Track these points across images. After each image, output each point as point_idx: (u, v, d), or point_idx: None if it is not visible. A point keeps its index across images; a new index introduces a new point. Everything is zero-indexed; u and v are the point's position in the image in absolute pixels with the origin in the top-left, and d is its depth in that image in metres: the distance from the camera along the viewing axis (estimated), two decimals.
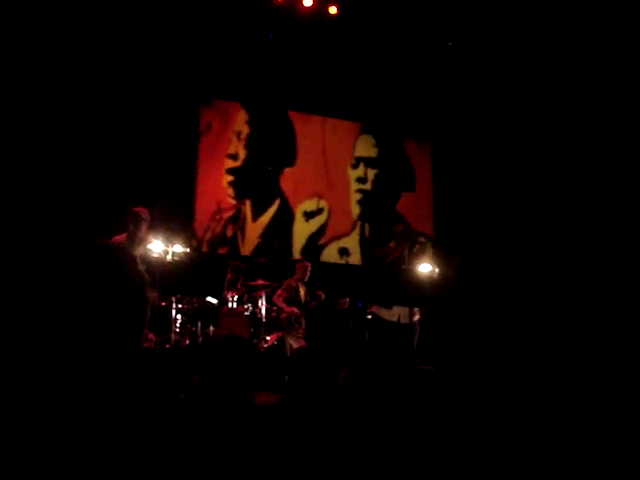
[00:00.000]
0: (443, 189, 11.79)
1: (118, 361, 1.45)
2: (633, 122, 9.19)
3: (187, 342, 7.80)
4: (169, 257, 6.44)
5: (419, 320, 6.87)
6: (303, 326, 8.69)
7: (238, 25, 9.26)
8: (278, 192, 10.56)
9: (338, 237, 11.00)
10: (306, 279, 8.79)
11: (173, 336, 7.56)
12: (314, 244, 10.68)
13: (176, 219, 8.75)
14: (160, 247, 6.56)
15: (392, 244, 6.98)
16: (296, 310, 8.63)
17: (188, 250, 7.72)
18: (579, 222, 9.80)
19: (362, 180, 11.40)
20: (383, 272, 6.60)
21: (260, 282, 8.68)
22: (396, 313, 6.65)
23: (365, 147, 11.51)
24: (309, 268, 8.84)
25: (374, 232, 11.22)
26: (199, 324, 7.76)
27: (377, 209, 11.39)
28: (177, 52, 9.19)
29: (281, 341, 8.46)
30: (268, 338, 8.50)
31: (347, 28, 9.45)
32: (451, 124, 11.45)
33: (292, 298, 8.62)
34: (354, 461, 2.06)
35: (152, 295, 6.59)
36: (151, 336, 7.23)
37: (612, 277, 8.89)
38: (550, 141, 10.35)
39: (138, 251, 6.39)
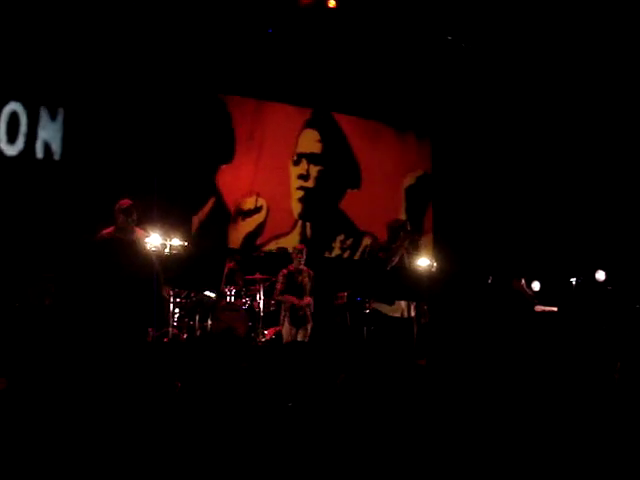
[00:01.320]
0: (443, 184, 11.78)
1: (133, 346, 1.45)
2: (632, 118, 9.19)
3: (185, 336, 7.79)
4: (167, 250, 6.42)
5: (416, 315, 6.86)
6: (307, 320, 8.34)
7: (238, 19, 9.22)
8: (213, 190, 9.99)
9: (277, 236, 10.48)
10: (302, 264, 8.35)
11: (171, 330, 7.54)
12: (251, 244, 10.15)
13: (174, 212, 8.74)
14: (158, 240, 6.55)
15: (393, 245, 6.92)
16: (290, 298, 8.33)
17: (186, 244, 7.71)
18: (579, 218, 9.82)
19: (304, 177, 10.87)
20: (386, 272, 6.58)
21: (258, 276, 8.66)
22: (399, 308, 6.64)
23: (308, 143, 10.97)
24: (303, 252, 8.41)
25: (316, 231, 10.79)
26: (197, 318, 7.75)
27: (320, 207, 10.91)
28: (178, 49, 9.14)
29: (279, 335, 8.44)
30: (266, 332, 8.49)
31: (346, 21, 9.38)
32: (451, 119, 11.42)
33: (289, 288, 8.26)
34: (354, 458, 2.06)
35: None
36: (149, 330, 7.22)
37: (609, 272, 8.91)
38: (548, 137, 10.36)
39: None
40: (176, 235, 7.40)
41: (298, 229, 10.75)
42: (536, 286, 9.60)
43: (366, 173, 11.41)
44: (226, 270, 8.28)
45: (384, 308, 6.66)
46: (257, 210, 10.29)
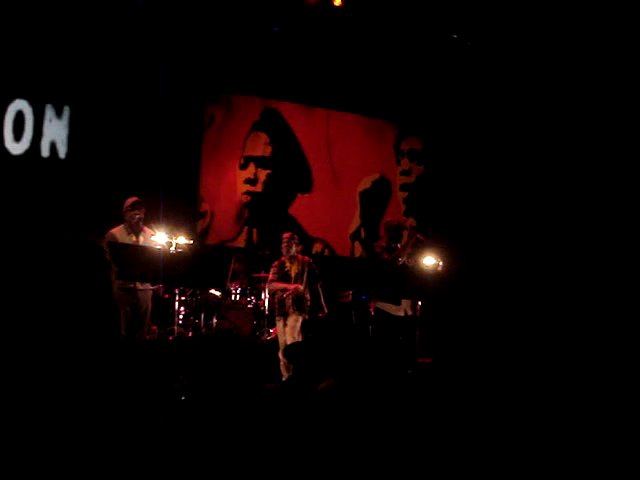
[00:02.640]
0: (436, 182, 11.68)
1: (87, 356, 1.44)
2: (633, 118, 9.16)
3: (190, 334, 7.82)
4: (172, 249, 6.42)
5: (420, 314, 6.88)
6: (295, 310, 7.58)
7: (241, 18, 9.21)
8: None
9: (222, 242, 10.04)
10: (292, 253, 7.74)
11: (176, 328, 7.57)
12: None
13: (180, 211, 8.74)
14: (164, 239, 6.56)
15: (398, 245, 6.90)
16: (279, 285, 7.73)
17: (192, 242, 7.72)
18: (575, 218, 9.78)
19: (252, 182, 10.41)
20: (390, 272, 6.57)
21: (263, 274, 8.67)
22: (402, 308, 6.65)
23: (256, 146, 10.49)
24: (291, 239, 7.79)
25: (263, 237, 10.27)
26: (202, 316, 7.77)
27: (268, 212, 10.41)
28: (182, 49, 9.14)
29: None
30: (271, 330, 8.50)
31: (348, 20, 9.34)
32: (454, 116, 11.34)
33: (279, 277, 7.72)
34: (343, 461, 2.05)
35: (154, 288, 6.60)
36: (154, 328, 7.25)
37: (611, 272, 8.88)
38: (556, 135, 10.31)
39: (139, 241, 6.37)
40: (182, 234, 7.42)
41: (244, 235, 10.32)
42: None
43: (318, 177, 10.97)
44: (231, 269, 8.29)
45: (388, 307, 6.68)
46: (201, 215, 9.98)
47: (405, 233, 7.00)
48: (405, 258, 6.75)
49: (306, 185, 10.91)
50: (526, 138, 10.62)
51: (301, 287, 7.58)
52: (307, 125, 10.92)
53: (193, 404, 2.34)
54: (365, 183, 11.41)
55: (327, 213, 10.91)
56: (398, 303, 6.64)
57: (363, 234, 11.30)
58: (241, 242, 10.25)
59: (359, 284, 9.33)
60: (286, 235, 7.87)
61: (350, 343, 8.56)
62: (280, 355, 7.29)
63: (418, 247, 6.82)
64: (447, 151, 11.48)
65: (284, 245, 7.75)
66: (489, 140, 11.09)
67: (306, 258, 7.90)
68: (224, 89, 10.12)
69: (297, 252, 7.88)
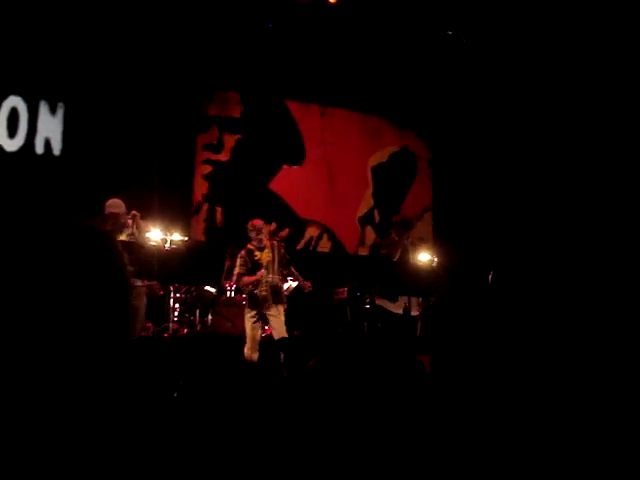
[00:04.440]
0: (443, 180, 11.60)
1: (102, 352, 1.43)
2: (632, 119, 9.17)
3: (185, 331, 7.81)
4: (167, 246, 6.42)
5: (420, 312, 6.89)
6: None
7: (236, 15, 9.18)
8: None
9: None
10: (262, 244, 6.66)
11: (171, 325, 7.56)
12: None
13: (175, 208, 8.72)
14: (158, 236, 6.55)
15: (395, 238, 6.90)
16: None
17: (186, 239, 7.71)
18: (577, 220, 9.79)
19: (214, 148, 8.64)
20: (387, 268, 6.58)
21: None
22: (402, 305, 6.65)
23: (222, 104, 8.81)
24: (256, 226, 6.65)
25: (230, 218, 8.54)
26: (197, 313, 7.76)
27: (239, 187, 8.64)
28: (178, 46, 9.10)
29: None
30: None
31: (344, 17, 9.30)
32: (450, 114, 11.28)
33: (249, 268, 6.74)
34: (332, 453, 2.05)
35: (151, 284, 6.59)
36: (149, 325, 7.24)
37: (611, 274, 8.89)
38: (550, 134, 10.32)
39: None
40: (176, 230, 7.42)
41: (203, 214, 8.65)
42: None
43: (312, 144, 9.07)
44: (226, 265, 8.28)
45: (387, 305, 6.68)
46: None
47: (411, 226, 6.99)
48: (398, 254, 6.74)
49: (295, 155, 9.03)
50: (527, 135, 10.60)
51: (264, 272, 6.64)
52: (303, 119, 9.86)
53: (186, 401, 2.35)
54: (380, 156, 9.55)
55: (325, 190, 9.14)
56: (395, 300, 6.65)
57: (377, 218, 9.52)
58: (199, 223, 8.65)
59: (358, 281, 9.27)
60: (257, 223, 6.72)
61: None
62: (246, 350, 6.69)
63: (413, 243, 6.82)
64: (454, 147, 11.24)
65: (254, 235, 6.65)
66: (491, 135, 11.06)
67: (275, 242, 6.96)
68: (219, 86, 10.06)
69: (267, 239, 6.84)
